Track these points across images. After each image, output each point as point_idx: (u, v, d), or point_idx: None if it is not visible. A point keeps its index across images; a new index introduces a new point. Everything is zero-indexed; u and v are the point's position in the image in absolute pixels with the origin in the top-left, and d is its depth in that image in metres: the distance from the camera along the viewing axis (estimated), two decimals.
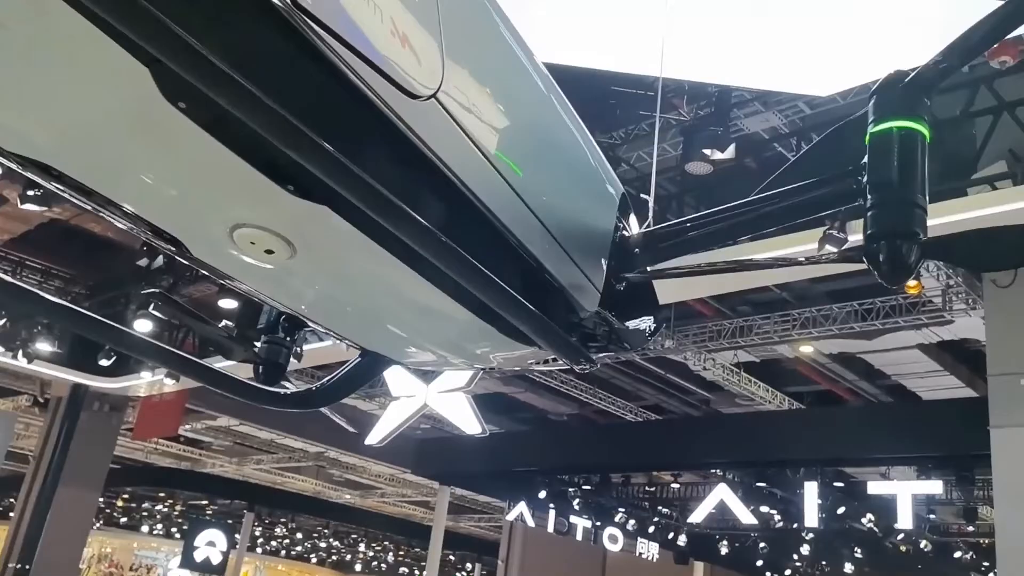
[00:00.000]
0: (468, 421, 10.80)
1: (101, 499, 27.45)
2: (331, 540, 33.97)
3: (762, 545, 19.88)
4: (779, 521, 16.81)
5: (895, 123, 1.69)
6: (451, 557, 34.01)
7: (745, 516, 15.76)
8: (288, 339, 2.28)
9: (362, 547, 33.94)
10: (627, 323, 2.18)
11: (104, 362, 11.53)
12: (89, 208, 1.63)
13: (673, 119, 8.52)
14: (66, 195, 1.57)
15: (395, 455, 19.19)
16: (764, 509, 16.35)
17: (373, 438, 11.43)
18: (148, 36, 1.05)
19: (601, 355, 2.28)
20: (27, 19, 1.13)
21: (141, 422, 16.64)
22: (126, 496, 28.21)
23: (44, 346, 11.63)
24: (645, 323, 2.29)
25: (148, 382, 13.48)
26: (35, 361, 12.00)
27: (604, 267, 2.04)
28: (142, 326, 9.65)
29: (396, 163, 1.54)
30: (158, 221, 1.65)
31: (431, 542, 19.05)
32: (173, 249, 1.73)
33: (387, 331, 2.15)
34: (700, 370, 12.71)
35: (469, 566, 35.69)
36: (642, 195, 2.83)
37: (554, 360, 2.34)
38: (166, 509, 29.40)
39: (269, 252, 1.65)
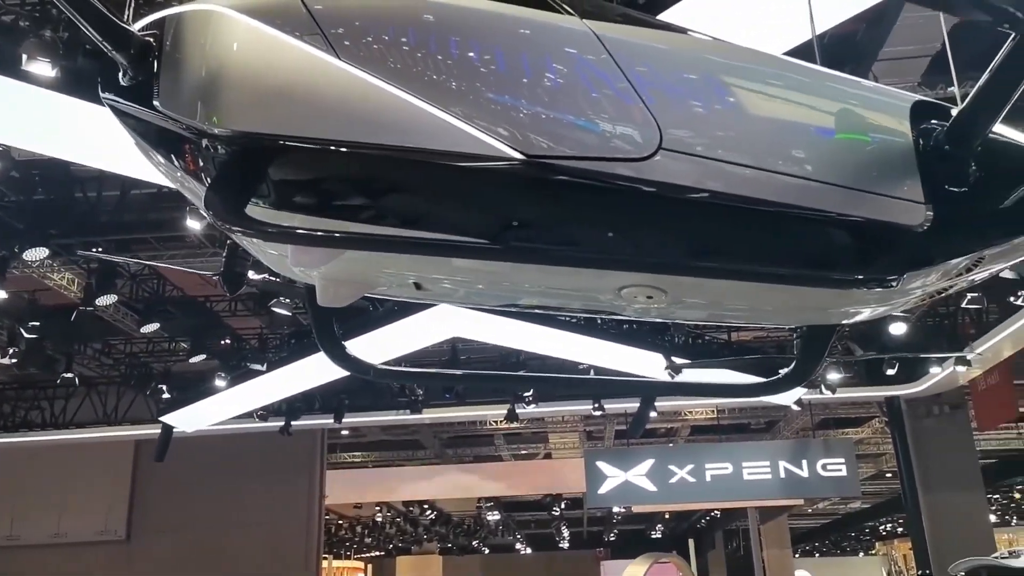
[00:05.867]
0: None
1: (995, 495, 27.03)
2: None
3: None
4: None
5: None
6: None
7: None
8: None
9: None
10: (1007, 204, 2.06)
11: None
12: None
13: None
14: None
15: None
16: None
17: None
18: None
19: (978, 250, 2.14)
20: None
21: (980, 412, 16.47)
22: (1020, 487, 27.21)
23: (834, 375, 13.01)
24: None
25: (948, 375, 13.59)
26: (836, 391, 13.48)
27: (917, 179, 2.02)
28: None
29: (669, 214, 1.98)
30: (590, 306, 2.57)
31: None
32: (604, 314, 2.61)
33: (782, 312, 2.54)
34: None
35: None
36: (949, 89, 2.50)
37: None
38: None
39: (649, 298, 2.36)
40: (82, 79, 5.46)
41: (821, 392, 13.51)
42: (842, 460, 16.10)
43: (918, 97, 2.19)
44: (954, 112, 2.04)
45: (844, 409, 19.46)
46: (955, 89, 2.55)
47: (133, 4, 3.12)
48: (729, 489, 16.22)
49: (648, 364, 11.52)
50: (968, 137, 1.99)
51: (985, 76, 1.86)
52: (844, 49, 10.21)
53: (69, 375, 13.48)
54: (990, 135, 2.02)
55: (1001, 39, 1.81)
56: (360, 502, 26.50)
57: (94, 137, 5.92)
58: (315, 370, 11.76)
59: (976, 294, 10.34)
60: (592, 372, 12.78)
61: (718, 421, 19.57)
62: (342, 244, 1.97)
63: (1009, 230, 2.12)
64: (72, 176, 9.93)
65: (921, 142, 2.07)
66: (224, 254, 8.22)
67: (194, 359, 12.80)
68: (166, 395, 14.01)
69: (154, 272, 12.39)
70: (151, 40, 1.94)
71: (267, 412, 14.97)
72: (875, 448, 23.60)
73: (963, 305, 11.07)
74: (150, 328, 12.01)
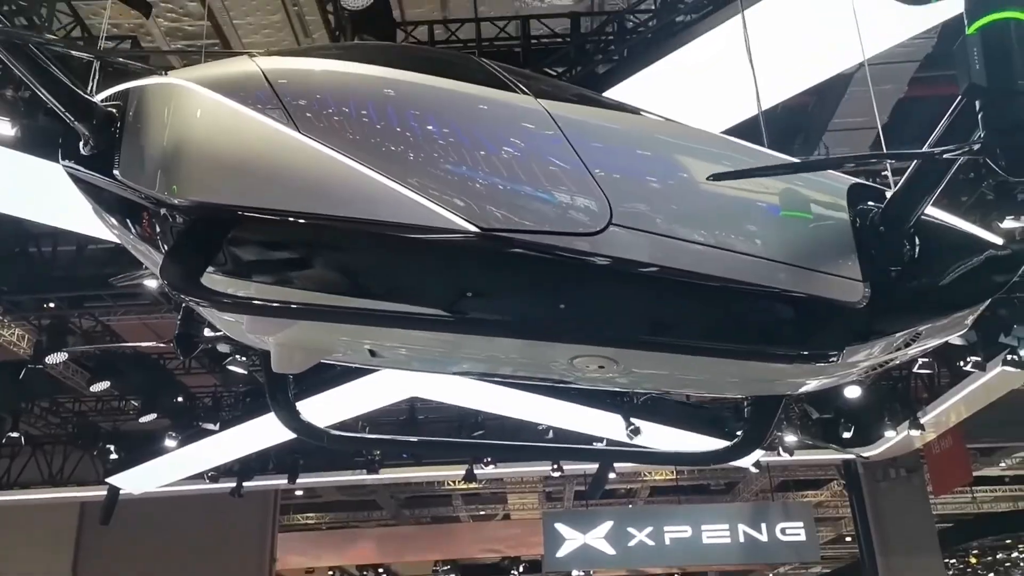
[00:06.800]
0: None
1: (952, 560, 27.13)
2: None
3: None
4: None
5: (975, 24, 1.70)
6: None
7: None
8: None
9: None
10: (940, 283, 2.18)
11: None
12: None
13: None
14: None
15: None
16: None
17: None
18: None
19: (910, 327, 2.24)
20: None
21: (935, 476, 16.63)
22: (976, 551, 27.38)
23: (791, 437, 13.11)
24: (969, 272, 2.20)
25: (903, 439, 13.75)
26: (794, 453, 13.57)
27: (855, 257, 2.12)
28: None
29: (618, 288, 2.06)
30: (543, 375, 2.60)
31: None
32: (557, 382, 2.65)
33: (729, 383, 2.61)
34: None
35: None
36: (883, 173, 2.68)
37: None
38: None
39: (601, 367, 2.39)
40: (41, 137, 5.43)
41: (779, 454, 13.58)
42: (801, 524, 16.09)
43: (854, 180, 2.29)
44: (888, 195, 2.14)
45: (803, 471, 19.53)
46: (888, 172, 2.69)
47: (97, 75, 3.16)
48: (688, 553, 16.09)
49: (608, 424, 11.52)
50: (901, 219, 2.09)
51: (913, 165, 1.97)
52: (796, 120, 10.57)
53: (15, 434, 13.05)
54: (923, 217, 2.12)
55: (934, 126, 1.92)
56: (313, 566, 25.75)
57: (53, 196, 5.88)
58: (269, 429, 11.54)
59: (927, 359, 10.56)
60: (551, 433, 12.74)
61: (677, 482, 19.51)
62: (297, 315, 1.98)
63: (943, 307, 2.21)
64: (26, 231, 9.77)
65: (858, 222, 2.17)
66: (179, 316, 8.11)
67: (144, 418, 12.48)
68: (113, 455, 13.60)
69: (107, 329, 12.16)
70: (114, 111, 1.96)
71: (218, 473, 14.58)
72: (834, 511, 23.62)
73: (915, 370, 11.29)
74: (100, 387, 11.71)
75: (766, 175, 2.09)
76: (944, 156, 1.79)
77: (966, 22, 1.75)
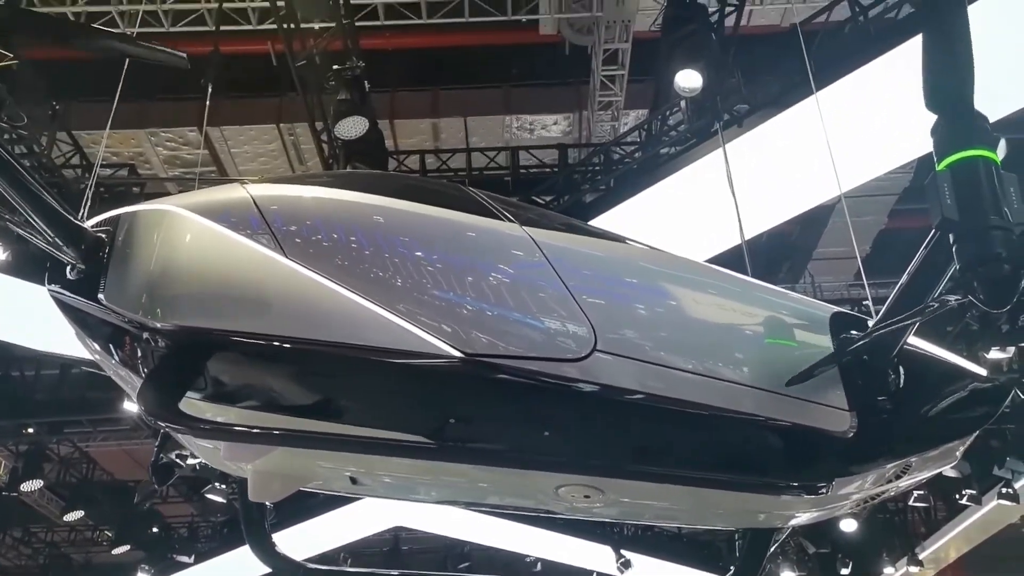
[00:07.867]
0: None
1: None
2: None
3: None
4: None
5: (945, 161, 1.75)
6: None
7: None
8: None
9: None
10: (927, 413, 2.17)
11: None
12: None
13: None
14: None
15: None
16: None
17: None
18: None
19: (893, 460, 2.20)
20: None
21: None
22: None
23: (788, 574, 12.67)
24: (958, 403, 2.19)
25: None
26: None
27: (840, 386, 2.09)
28: None
29: (604, 416, 2.01)
30: (528, 504, 2.52)
31: None
32: (544, 513, 2.57)
33: (719, 515, 2.53)
34: None
35: None
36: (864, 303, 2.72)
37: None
38: None
39: (587, 497, 2.32)
40: (31, 262, 5.45)
41: None
42: None
43: (836, 309, 2.30)
44: (870, 324, 2.14)
45: None
46: (869, 302, 2.71)
47: (89, 201, 3.22)
48: None
49: (598, 556, 11.15)
50: (884, 349, 2.07)
51: (893, 296, 1.98)
52: (782, 248, 10.81)
53: None
54: (907, 347, 2.11)
55: (911, 257, 1.95)
56: None
57: (39, 320, 5.84)
58: (245, 562, 11.08)
59: (922, 491, 10.34)
60: (539, 565, 12.30)
61: None
62: (278, 441, 1.93)
63: (931, 437, 2.18)
64: (9, 354, 9.66)
65: (847, 350, 2.15)
66: (156, 443, 7.90)
67: (118, 550, 11.99)
68: None
69: (84, 455, 11.88)
70: (103, 236, 1.97)
71: None
72: None
73: (911, 503, 11.05)
74: (74, 516, 11.32)
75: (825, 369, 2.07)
76: (932, 311, 1.80)
77: (935, 159, 1.80)
